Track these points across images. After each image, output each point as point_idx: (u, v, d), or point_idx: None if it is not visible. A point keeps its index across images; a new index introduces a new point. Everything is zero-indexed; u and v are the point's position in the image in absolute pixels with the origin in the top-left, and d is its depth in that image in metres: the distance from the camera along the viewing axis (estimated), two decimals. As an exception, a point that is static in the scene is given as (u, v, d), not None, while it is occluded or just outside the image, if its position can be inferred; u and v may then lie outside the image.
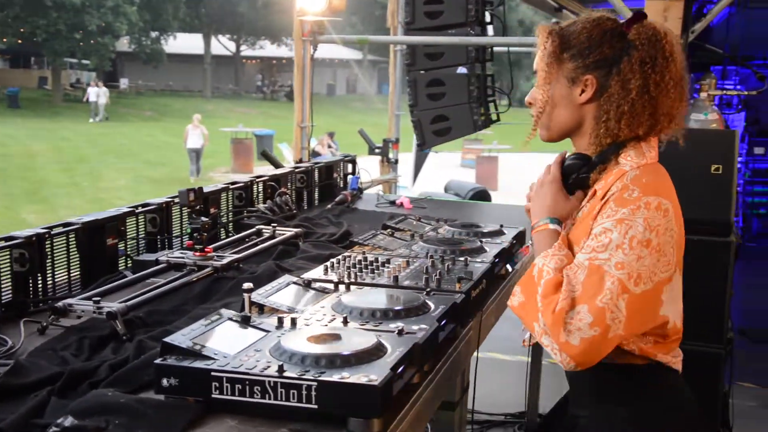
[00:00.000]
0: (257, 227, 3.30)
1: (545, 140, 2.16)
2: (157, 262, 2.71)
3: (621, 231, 1.82)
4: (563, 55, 2.00)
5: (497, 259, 2.81)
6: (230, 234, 3.39)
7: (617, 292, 1.78)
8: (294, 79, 5.93)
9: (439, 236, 3.10)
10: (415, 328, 1.99)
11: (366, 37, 6.85)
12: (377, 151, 7.78)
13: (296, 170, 4.21)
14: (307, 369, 1.70)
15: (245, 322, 1.98)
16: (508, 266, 3.05)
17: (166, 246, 3.09)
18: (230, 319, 1.98)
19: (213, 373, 1.70)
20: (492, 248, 2.93)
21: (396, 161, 7.80)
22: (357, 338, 1.85)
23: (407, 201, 4.40)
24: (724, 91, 6.48)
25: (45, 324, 2.23)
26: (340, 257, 2.71)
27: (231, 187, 3.61)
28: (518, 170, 22.72)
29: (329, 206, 4.19)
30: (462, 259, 2.71)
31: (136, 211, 2.98)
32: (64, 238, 2.61)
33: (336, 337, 1.86)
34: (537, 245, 2.02)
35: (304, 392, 1.65)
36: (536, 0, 8.23)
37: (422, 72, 6.34)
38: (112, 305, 2.23)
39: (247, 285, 2.10)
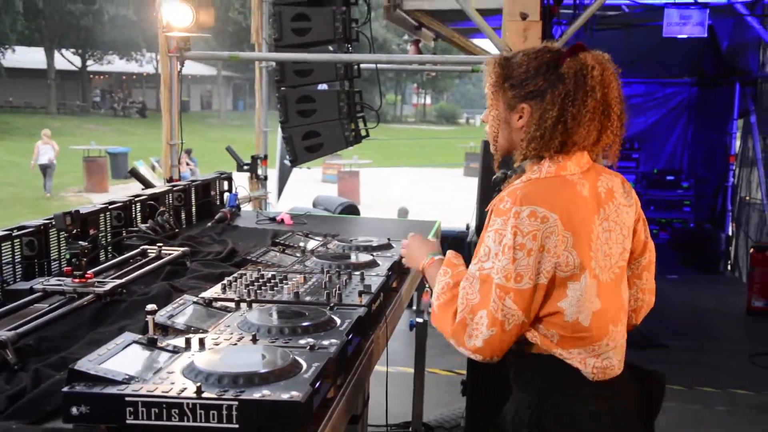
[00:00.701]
0: (141, 247, 3.21)
1: (493, 152, 2.32)
2: (32, 290, 2.51)
3: (496, 240, 2.05)
4: (504, 84, 2.19)
5: (390, 272, 2.86)
6: (112, 256, 3.28)
7: (501, 295, 2.02)
8: (162, 96, 5.79)
9: (330, 251, 3.11)
10: (325, 343, 2.00)
11: (237, 54, 6.77)
12: (246, 167, 7.69)
13: (174, 189, 4.12)
14: (225, 389, 1.68)
15: (152, 344, 1.93)
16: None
17: (45, 272, 2.96)
18: (135, 342, 1.93)
19: (127, 398, 1.65)
20: (383, 261, 2.98)
21: (265, 177, 7.74)
22: (271, 355, 1.84)
23: (288, 217, 4.39)
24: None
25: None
26: (236, 275, 2.68)
27: (109, 207, 3.50)
28: (379, 184, 23.07)
29: (210, 224, 4.11)
30: (357, 273, 2.74)
31: (12, 234, 2.84)
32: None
33: (250, 356, 1.84)
34: (430, 278, 2.32)
35: (224, 412, 1.63)
36: (397, 18, 8.35)
37: (292, 88, 6.32)
38: (3, 334, 2.12)
39: (150, 307, 2.05)
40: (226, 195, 4.70)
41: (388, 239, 3.33)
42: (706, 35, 7.98)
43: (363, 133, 6.61)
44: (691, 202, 10.89)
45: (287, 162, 7.67)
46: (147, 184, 5.43)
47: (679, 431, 5.12)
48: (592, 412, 2.16)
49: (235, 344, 1.98)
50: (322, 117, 6.30)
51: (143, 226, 3.55)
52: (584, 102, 2.07)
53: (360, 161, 23.07)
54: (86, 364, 1.75)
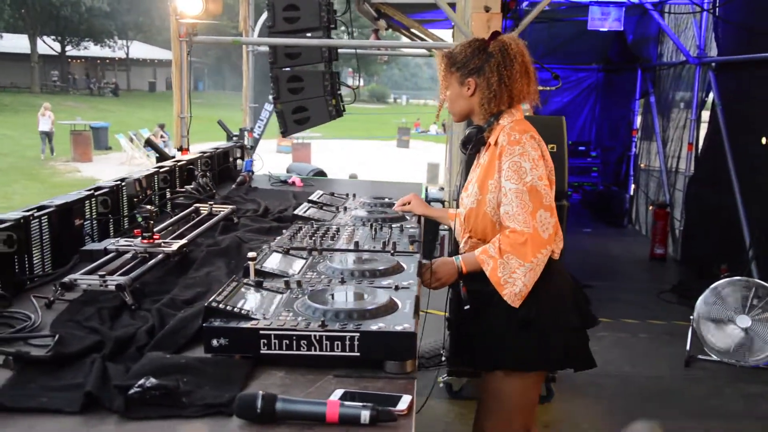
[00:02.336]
0: (195, 205, 3.13)
1: (456, 121, 2.70)
2: (105, 251, 2.39)
3: (526, 158, 2.35)
4: (452, 69, 2.52)
5: (419, 224, 2.86)
6: (167, 213, 3.19)
7: (547, 192, 2.36)
8: (173, 76, 5.60)
9: (363, 208, 3.08)
10: (404, 283, 1.98)
11: (238, 38, 6.58)
12: (234, 139, 7.51)
13: (204, 155, 4.03)
14: (345, 323, 1.66)
15: (259, 285, 1.90)
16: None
17: (121, 226, 2.87)
18: (246, 284, 1.88)
19: (261, 331, 1.62)
20: (408, 215, 2.96)
21: (252, 148, 7.59)
22: (371, 295, 1.82)
23: (298, 180, 4.33)
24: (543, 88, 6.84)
25: (52, 299, 2.02)
26: (294, 228, 2.63)
27: (160, 171, 3.39)
28: (329, 154, 22.89)
29: (234, 186, 4.04)
30: (397, 225, 2.72)
31: (95, 194, 2.73)
32: (39, 221, 2.36)
33: (353, 295, 1.82)
34: (472, 265, 2.42)
35: (347, 342, 1.62)
36: (363, 10, 8.23)
37: (284, 69, 6.20)
38: (119, 279, 2.05)
39: (251, 254, 2.00)
40: (239, 162, 4.61)
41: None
42: (623, 29, 8.12)
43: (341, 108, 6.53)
44: (599, 168, 11.10)
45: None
46: (161, 153, 5.28)
47: (614, 355, 5.26)
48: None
49: (327, 286, 1.95)
50: (310, 94, 6.20)
51: (188, 188, 3.46)
52: (512, 65, 2.43)
53: (312, 134, 22.81)
54: (215, 303, 1.70)
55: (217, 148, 4.39)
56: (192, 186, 3.47)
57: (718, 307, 4.98)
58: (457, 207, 2.75)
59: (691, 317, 5.06)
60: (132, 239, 2.47)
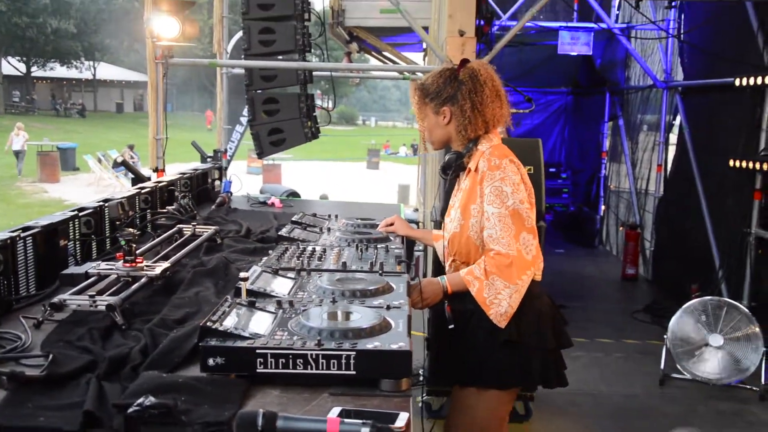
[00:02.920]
0: (177, 226, 3.13)
1: (435, 149, 2.75)
2: (87, 275, 2.34)
3: (507, 183, 2.40)
4: (426, 100, 2.58)
5: (403, 245, 2.89)
6: (149, 234, 3.18)
7: (528, 215, 2.41)
8: (148, 97, 5.61)
9: (347, 228, 3.11)
10: (396, 303, 2.01)
11: (216, 61, 6.60)
12: (208, 160, 7.49)
13: (183, 176, 4.02)
14: (340, 342, 1.68)
15: (252, 305, 1.91)
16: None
17: (104, 247, 2.86)
18: (239, 304, 1.90)
19: (258, 350, 1.64)
20: (392, 236, 2.99)
21: (226, 168, 7.59)
22: (365, 314, 1.85)
23: (277, 201, 4.35)
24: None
25: (41, 319, 2.01)
26: (281, 249, 2.65)
27: (141, 192, 3.39)
28: (299, 176, 22.85)
29: (213, 208, 4.04)
30: (382, 245, 2.75)
31: (79, 214, 2.73)
32: (24, 241, 2.34)
33: (346, 315, 1.84)
34: (457, 286, 2.47)
35: (343, 361, 1.64)
36: (337, 33, 8.32)
37: (259, 91, 6.23)
38: (109, 299, 2.05)
39: (243, 274, 2.02)
40: (217, 183, 4.62)
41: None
42: (591, 53, 8.30)
43: (314, 131, 6.57)
44: (569, 190, 11.26)
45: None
46: (137, 174, 5.28)
47: (590, 374, 5.32)
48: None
49: (319, 305, 1.96)
50: (285, 116, 6.23)
51: (170, 208, 3.46)
52: (483, 90, 2.48)
53: (282, 155, 22.77)
54: (211, 323, 1.71)
55: (195, 169, 4.39)
56: (173, 207, 3.47)
57: (691, 326, 5.08)
58: (437, 228, 2.80)
59: (665, 336, 5.15)
60: (113, 263, 2.43)
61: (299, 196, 10.16)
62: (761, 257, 6.01)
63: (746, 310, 5.09)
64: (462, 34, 5.60)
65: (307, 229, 3.07)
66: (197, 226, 3.13)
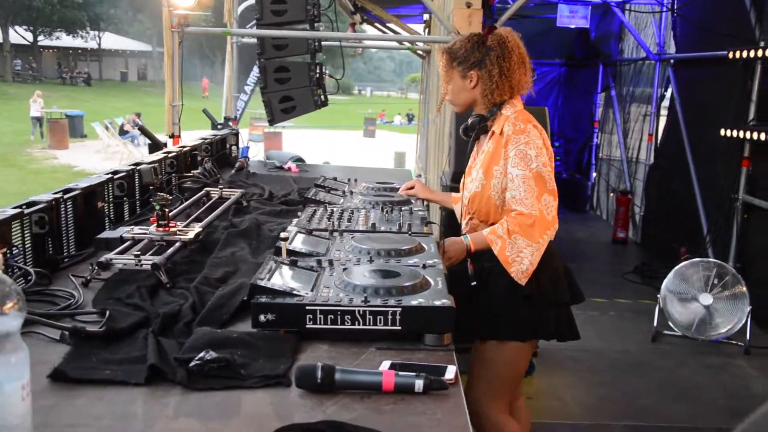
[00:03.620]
0: (204, 189, 3.11)
1: (459, 112, 2.72)
2: (122, 239, 2.27)
3: (531, 147, 2.38)
4: (453, 64, 2.54)
5: (424, 207, 2.88)
6: (176, 197, 3.15)
7: (550, 177, 2.40)
8: (165, 65, 5.53)
9: (368, 192, 3.09)
10: (430, 262, 2.00)
11: (229, 30, 6.50)
12: (219, 127, 7.41)
13: (204, 141, 3.98)
14: (385, 298, 1.67)
15: (294, 264, 1.90)
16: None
17: (137, 208, 2.83)
18: (282, 263, 1.89)
19: (307, 307, 1.63)
20: (414, 199, 2.98)
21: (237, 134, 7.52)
22: (405, 272, 1.84)
23: (293, 166, 4.31)
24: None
25: (89, 277, 2.00)
26: (310, 211, 2.63)
27: (168, 156, 3.35)
28: (299, 143, 22.73)
29: (233, 172, 4.00)
30: (406, 208, 2.74)
31: (114, 177, 2.69)
32: (65, 204, 2.32)
33: (388, 273, 1.83)
34: (480, 244, 2.44)
35: (389, 317, 1.63)
36: (342, 4, 8.23)
37: (270, 60, 6.15)
38: (153, 258, 2.04)
39: (283, 234, 2.01)
40: (233, 148, 4.58)
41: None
42: (589, 26, 8.22)
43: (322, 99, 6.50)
44: (561, 158, 11.22)
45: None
46: (153, 139, 5.21)
47: (586, 332, 5.33)
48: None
49: (357, 264, 1.95)
50: (296, 84, 6.16)
51: (195, 172, 3.43)
52: (511, 58, 2.47)
53: (282, 123, 22.61)
54: (260, 280, 1.70)
55: (215, 135, 4.34)
56: (198, 171, 3.44)
57: (683, 286, 5.11)
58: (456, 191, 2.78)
59: (658, 296, 5.19)
60: (146, 227, 2.38)
61: (305, 162, 10.13)
62: (746, 221, 6.02)
63: (734, 270, 5.11)
64: (469, 6, 5.52)
65: (331, 192, 3.05)
66: (224, 189, 3.11)
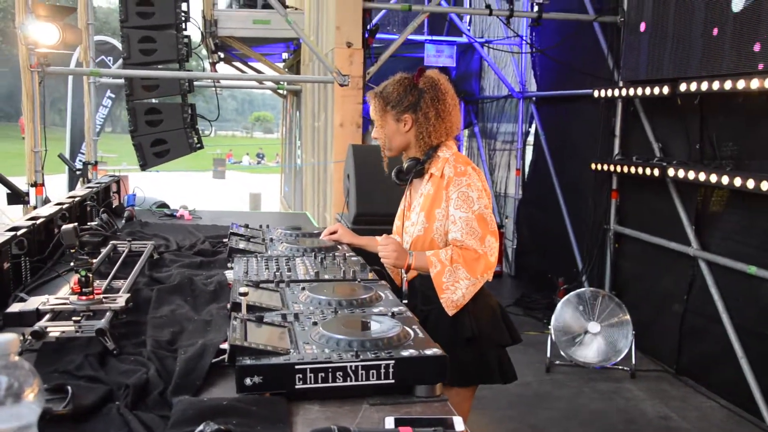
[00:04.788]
0: (110, 243, 2.92)
1: (392, 156, 2.69)
2: (38, 313, 1.95)
3: (473, 189, 2.47)
4: (386, 108, 2.59)
5: (354, 252, 2.87)
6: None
7: (491, 220, 2.49)
8: (23, 108, 5.17)
9: (287, 239, 3.03)
10: (396, 309, 2.00)
11: (97, 70, 6.17)
12: (78, 172, 7.03)
13: (92, 190, 3.75)
14: (375, 352, 1.65)
15: (260, 320, 1.82)
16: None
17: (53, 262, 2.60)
18: (248, 320, 1.80)
19: (297, 366, 1.57)
20: (338, 245, 2.95)
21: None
22: (381, 323, 1.82)
23: (186, 213, 4.15)
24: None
25: (21, 350, 1.81)
26: (243, 261, 2.54)
27: (62, 209, 3.12)
28: (148, 186, 21.85)
29: (124, 222, 3.79)
30: (339, 254, 2.71)
31: (17, 234, 2.47)
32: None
33: (366, 325, 1.81)
34: (421, 267, 2.52)
35: (382, 370, 1.61)
36: (205, 43, 8.11)
37: (140, 101, 5.93)
38: (96, 323, 1.88)
39: (243, 290, 1.92)
40: (126, 195, 4.36)
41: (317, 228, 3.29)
42: (455, 65, 8.61)
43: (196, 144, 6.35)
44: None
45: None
46: (14, 188, 4.90)
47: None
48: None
49: (323, 318, 1.91)
50: (169, 126, 5.99)
51: (92, 224, 3.21)
52: (445, 100, 2.55)
53: (128, 166, 21.71)
54: (239, 341, 1.62)
55: (100, 183, 4.10)
56: (95, 223, 3.23)
57: (572, 316, 5.40)
58: (389, 234, 2.79)
59: (549, 327, 5.45)
60: (64, 297, 2.07)
61: (168, 207, 9.76)
62: (618, 250, 6.49)
63: (617, 299, 5.48)
64: (349, 45, 5.64)
65: (251, 240, 2.96)
66: (133, 242, 2.93)
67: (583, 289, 5.54)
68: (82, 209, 3.44)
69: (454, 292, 2.42)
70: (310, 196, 8.09)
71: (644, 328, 5.62)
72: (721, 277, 5.10)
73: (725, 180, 4.53)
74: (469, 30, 9.75)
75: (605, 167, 6.15)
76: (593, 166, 6.28)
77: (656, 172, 5.32)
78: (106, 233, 3.15)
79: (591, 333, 5.36)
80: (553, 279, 7.06)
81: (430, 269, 2.45)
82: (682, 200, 5.49)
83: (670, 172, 5.12)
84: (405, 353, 1.64)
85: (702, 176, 4.78)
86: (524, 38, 8.02)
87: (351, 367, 1.59)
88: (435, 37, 8.64)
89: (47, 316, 1.89)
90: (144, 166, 5.98)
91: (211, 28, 7.44)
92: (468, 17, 9.75)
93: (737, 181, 4.40)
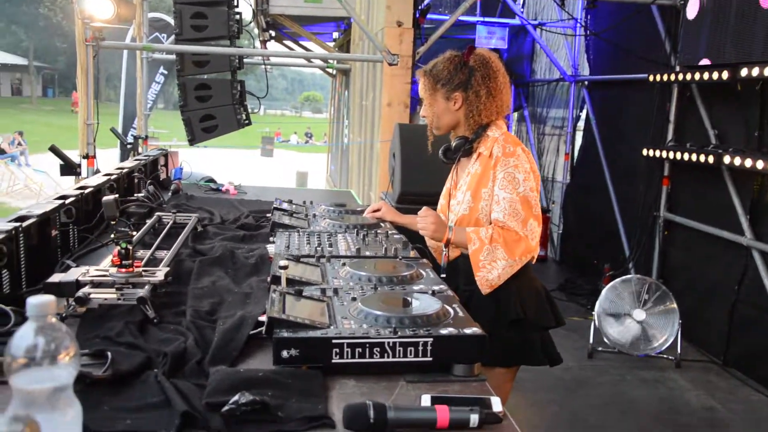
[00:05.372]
0: (156, 214, 2.94)
1: (439, 134, 2.64)
2: (78, 284, 1.93)
3: (520, 170, 2.40)
4: (437, 86, 2.53)
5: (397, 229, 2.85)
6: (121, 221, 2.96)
7: (535, 203, 2.41)
8: (78, 82, 5.25)
9: (330, 215, 3.02)
10: (435, 288, 1.96)
11: (150, 45, 6.23)
12: (129, 146, 7.13)
13: (140, 162, 3.79)
14: (414, 329, 1.62)
15: (299, 294, 1.81)
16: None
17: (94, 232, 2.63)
18: (287, 293, 1.79)
19: (334, 341, 1.55)
20: (382, 222, 2.93)
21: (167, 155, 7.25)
22: (422, 300, 1.79)
23: (232, 188, 4.17)
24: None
25: (65, 315, 1.83)
26: (284, 236, 2.53)
27: (111, 180, 3.16)
28: (196, 162, 22.17)
29: (170, 195, 3.82)
30: (382, 231, 2.69)
31: (65, 203, 2.50)
32: (19, 233, 2.12)
33: (406, 302, 1.78)
34: (459, 241, 2.46)
35: (420, 348, 1.58)
36: (256, 21, 8.12)
37: (190, 77, 5.97)
38: (138, 291, 1.89)
39: (283, 263, 1.91)
40: (173, 169, 4.40)
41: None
42: (507, 47, 8.47)
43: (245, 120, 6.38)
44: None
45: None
46: (67, 160, 4.97)
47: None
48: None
49: (362, 293, 1.88)
50: (218, 102, 6.03)
51: (139, 196, 3.25)
52: (496, 78, 2.49)
53: (179, 142, 22.03)
54: (277, 313, 1.61)
55: (148, 155, 4.14)
56: (142, 194, 3.26)
57: (617, 302, 5.29)
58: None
59: (593, 313, 5.35)
60: (104, 269, 2.05)
61: (215, 182, 9.88)
62: (667, 237, 6.33)
63: (664, 287, 5.35)
64: (400, 25, 5.58)
65: (294, 215, 2.96)
66: (177, 214, 2.95)
67: (629, 276, 5.42)
68: (130, 180, 3.48)
69: (490, 271, 2.37)
70: (355, 175, 8.08)
71: (691, 317, 5.48)
72: (775, 268, 4.94)
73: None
74: (522, 12, 9.58)
75: (658, 153, 5.99)
76: (645, 152, 6.11)
77: (711, 159, 5.15)
78: (152, 205, 3.18)
79: (636, 320, 5.24)
80: (599, 265, 6.93)
81: (468, 245, 2.39)
82: (737, 189, 5.31)
83: (726, 159, 4.95)
84: (444, 331, 1.61)
85: (760, 164, 4.60)
86: (579, 21, 7.83)
87: (389, 343, 1.57)
88: (487, 19, 8.48)
89: (86, 287, 1.88)
90: (192, 141, 6.04)
91: (262, 6, 7.44)
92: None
93: (796, 170, 4.23)
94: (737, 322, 5.30)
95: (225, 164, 22.92)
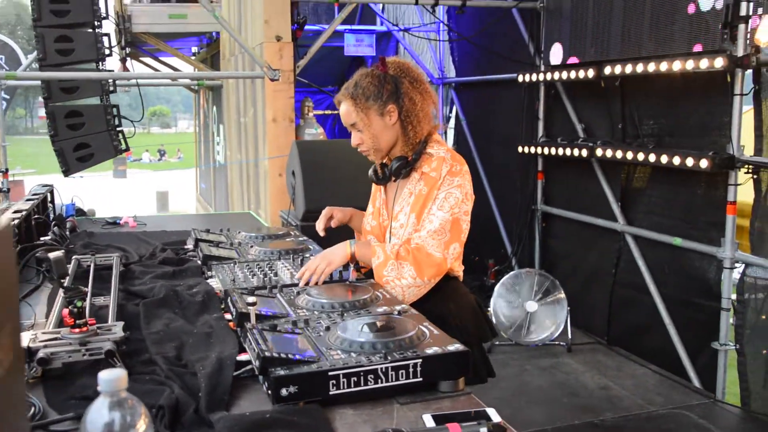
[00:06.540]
0: (74, 258, 2.83)
1: (380, 160, 2.56)
2: (30, 351, 1.76)
3: (461, 191, 2.40)
4: (367, 104, 2.42)
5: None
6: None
7: (465, 228, 2.45)
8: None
9: (254, 242, 3.02)
10: (398, 308, 2.05)
11: (13, 72, 5.86)
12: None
13: (33, 203, 3.60)
14: (401, 352, 1.70)
15: (274, 329, 1.84)
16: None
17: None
18: (263, 330, 1.82)
19: (330, 373, 1.61)
20: (309, 243, 2.97)
21: (8, 190, 6.85)
22: (397, 323, 1.86)
23: (131, 220, 4.05)
24: (317, 112, 7.04)
25: (28, 379, 1.75)
26: (225, 269, 2.52)
27: (14, 223, 2.99)
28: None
29: (69, 233, 3.66)
30: (309, 255, 2.73)
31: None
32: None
33: (385, 327, 1.84)
34: (364, 256, 2.43)
35: (411, 369, 1.66)
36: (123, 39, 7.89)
37: (59, 104, 5.70)
38: (104, 345, 1.84)
39: (251, 299, 1.93)
40: (64, 206, 4.21)
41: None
42: (375, 54, 8.64)
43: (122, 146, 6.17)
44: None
45: None
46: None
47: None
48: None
49: (332, 321, 1.94)
50: (92, 129, 5.79)
51: (45, 239, 3.10)
52: (422, 80, 2.48)
53: (24, 170, 20.72)
54: (269, 351, 1.64)
55: (36, 194, 3.93)
56: (49, 237, 3.11)
57: (510, 296, 5.59)
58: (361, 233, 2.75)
59: (488, 309, 5.63)
60: (54, 331, 1.89)
61: (85, 213, 9.40)
62: (546, 229, 6.75)
63: (551, 277, 5.72)
64: (279, 39, 5.60)
65: (220, 246, 2.94)
66: (97, 256, 2.85)
67: (517, 271, 5.74)
68: (27, 224, 3.30)
69: (393, 288, 2.32)
70: (237, 194, 7.98)
71: (575, 303, 5.88)
72: (647, 250, 5.40)
73: (652, 158, 4.79)
74: (384, 17, 9.82)
75: (532, 150, 6.37)
76: (520, 149, 6.48)
77: (584, 152, 5.57)
78: (62, 248, 3.04)
79: (529, 312, 5.57)
80: (482, 261, 7.25)
81: (372, 258, 2.36)
82: (607, 178, 5.76)
83: (598, 152, 5.37)
84: (430, 351, 1.70)
85: (629, 155, 5.04)
86: (444, 24, 8.15)
87: (381, 369, 1.64)
88: (350, 26, 8.64)
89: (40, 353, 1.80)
90: (67, 171, 5.76)
91: (123, 24, 7.20)
92: (380, 6, 9.81)
93: (663, 158, 4.67)
94: (617, 303, 5.76)
95: (78, 191, 21.81)
